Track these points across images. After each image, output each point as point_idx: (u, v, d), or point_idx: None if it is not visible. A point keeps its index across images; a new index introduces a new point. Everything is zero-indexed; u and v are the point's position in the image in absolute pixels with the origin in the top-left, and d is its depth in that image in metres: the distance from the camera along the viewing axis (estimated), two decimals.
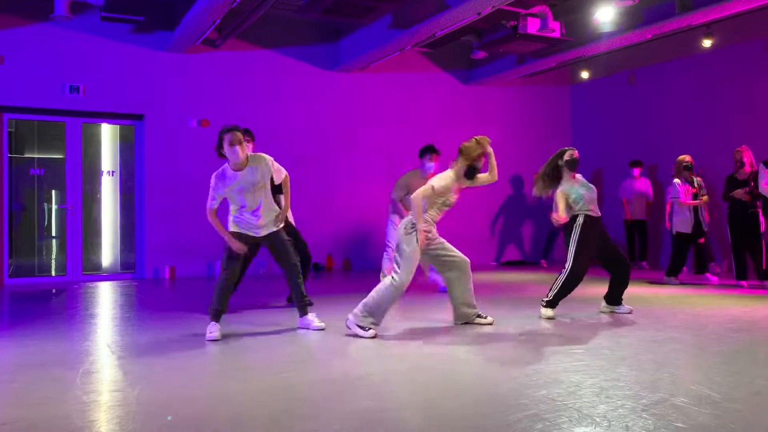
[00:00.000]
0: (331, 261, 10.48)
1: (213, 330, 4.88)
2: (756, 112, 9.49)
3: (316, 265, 10.08)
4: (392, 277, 4.98)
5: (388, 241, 7.35)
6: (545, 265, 11.34)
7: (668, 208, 8.57)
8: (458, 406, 3.19)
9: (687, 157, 8.30)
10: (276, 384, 3.62)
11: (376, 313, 4.95)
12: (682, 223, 8.22)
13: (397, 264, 4.99)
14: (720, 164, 9.18)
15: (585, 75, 11.51)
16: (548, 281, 8.29)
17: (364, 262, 10.67)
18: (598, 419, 2.92)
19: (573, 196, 5.75)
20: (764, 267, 7.83)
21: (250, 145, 5.71)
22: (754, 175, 7.87)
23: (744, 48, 9.66)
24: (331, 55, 10.63)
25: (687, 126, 10.41)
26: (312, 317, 5.24)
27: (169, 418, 2.99)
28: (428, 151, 7.17)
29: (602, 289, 6.21)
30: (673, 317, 5.78)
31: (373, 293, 4.99)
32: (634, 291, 7.35)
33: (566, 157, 5.84)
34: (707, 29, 9.14)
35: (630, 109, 11.37)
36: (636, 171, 10.62)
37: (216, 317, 4.94)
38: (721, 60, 9.92)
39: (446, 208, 5.22)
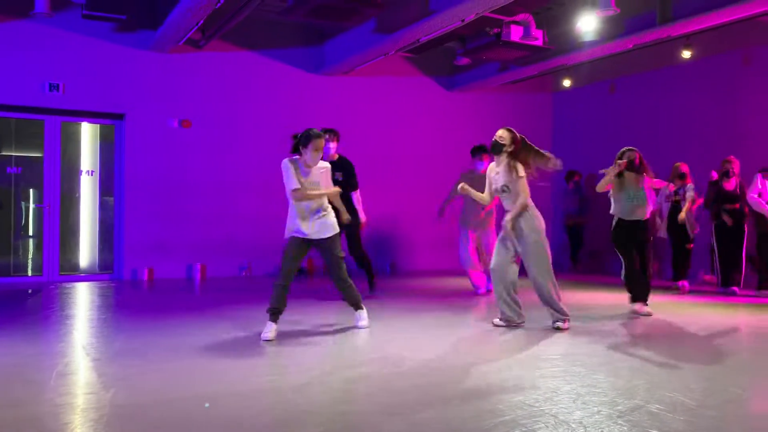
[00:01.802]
0: (313, 265, 10.45)
1: (268, 330, 4.95)
2: (734, 122, 9.62)
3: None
4: (537, 272, 5.38)
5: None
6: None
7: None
8: (435, 412, 3.19)
9: (682, 167, 8.46)
10: (257, 388, 3.60)
11: (557, 307, 5.42)
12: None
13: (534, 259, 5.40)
14: (699, 173, 9.29)
15: (567, 83, 11.62)
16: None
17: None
18: (574, 425, 2.94)
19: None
20: (758, 276, 8.02)
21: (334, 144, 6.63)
22: (742, 192, 8.03)
23: (723, 60, 9.80)
24: (315, 58, 10.62)
25: (666, 135, 10.53)
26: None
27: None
28: (479, 150, 7.60)
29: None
30: (650, 324, 5.84)
31: (543, 295, 5.42)
32: (614, 298, 7.41)
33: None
34: (687, 40, 9.27)
35: (611, 118, 11.48)
36: None
37: (274, 317, 5.00)
38: (700, 71, 10.06)
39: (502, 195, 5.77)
